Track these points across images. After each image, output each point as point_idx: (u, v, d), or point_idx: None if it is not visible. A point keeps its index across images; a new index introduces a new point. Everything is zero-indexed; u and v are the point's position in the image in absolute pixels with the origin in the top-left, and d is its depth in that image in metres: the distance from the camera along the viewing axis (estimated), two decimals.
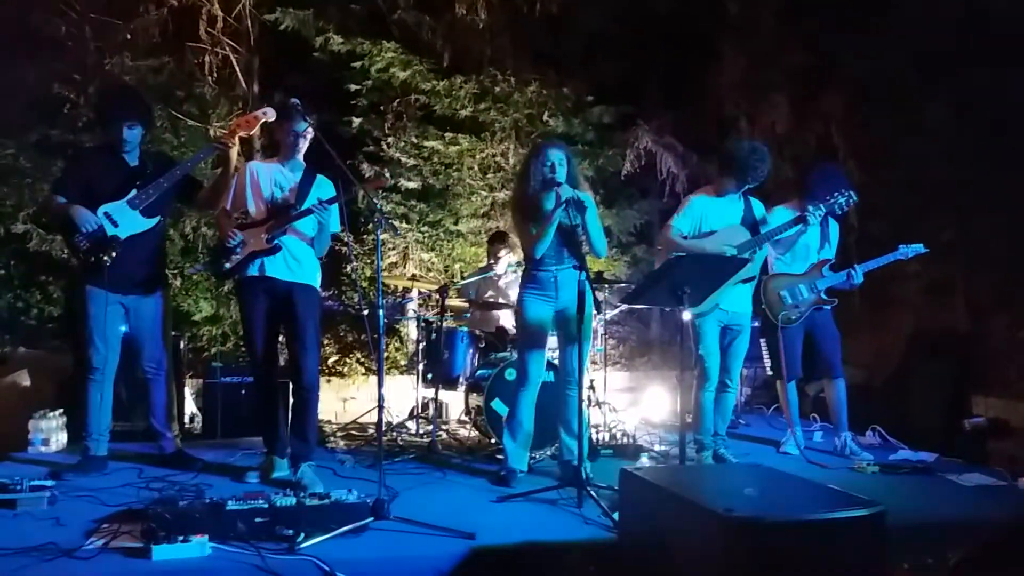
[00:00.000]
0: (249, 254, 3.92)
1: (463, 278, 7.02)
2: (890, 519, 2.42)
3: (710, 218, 4.49)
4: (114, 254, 3.91)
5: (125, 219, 4.00)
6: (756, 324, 4.99)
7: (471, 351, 5.60)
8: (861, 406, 5.14)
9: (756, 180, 4.47)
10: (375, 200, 3.65)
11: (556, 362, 4.48)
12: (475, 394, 5.12)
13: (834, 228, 5.09)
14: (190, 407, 5.56)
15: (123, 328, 4.17)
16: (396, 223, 7.16)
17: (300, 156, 4.02)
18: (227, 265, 3.94)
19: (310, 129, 3.90)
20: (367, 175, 7.27)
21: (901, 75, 6.19)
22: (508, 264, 6.12)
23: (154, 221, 4.12)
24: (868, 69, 6.43)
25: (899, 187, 6.13)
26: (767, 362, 5.06)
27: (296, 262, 3.99)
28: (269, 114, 4.01)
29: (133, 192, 4.01)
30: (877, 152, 6.46)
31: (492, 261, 6.17)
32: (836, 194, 4.55)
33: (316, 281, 4.12)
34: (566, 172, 4.00)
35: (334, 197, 3.90)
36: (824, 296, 4.88)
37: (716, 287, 4.10)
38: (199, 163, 4.29)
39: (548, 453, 4.65)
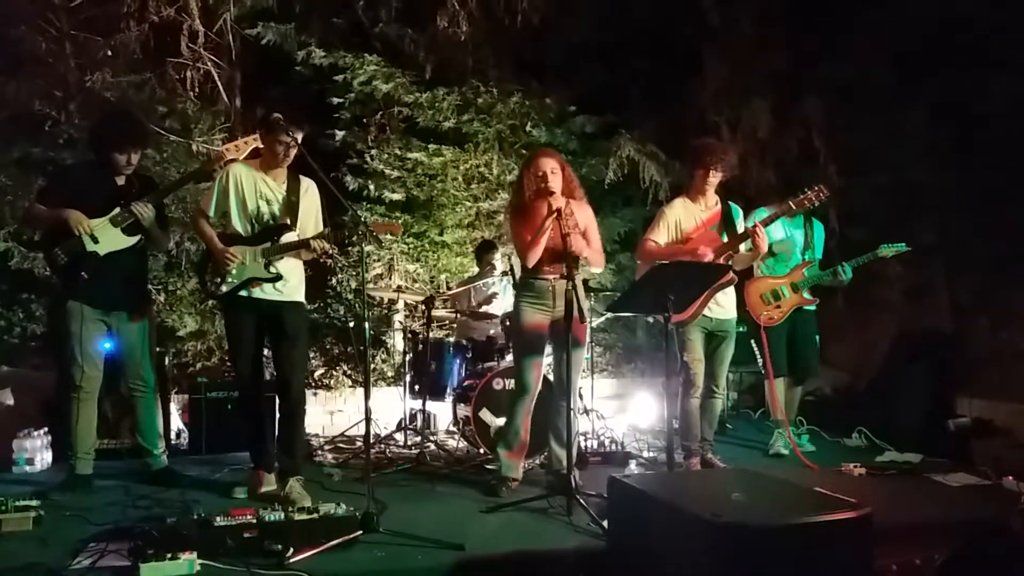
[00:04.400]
0: (248, 279, 3.89)
1: (449, 288, 7.02)
2: (877, 520, 2.44)
3: (686, 224, 4.50)
4: (91, 269, 3.89)
5: (106, 236, 3.97)
6: (742, 329, 5.01)
7: (458, 361, 5.59)
8: (846, 408, 5.19)
9: (720, 169, 4.42)
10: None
11: (546, 372, 4.48)
12: (463, 404, 5.11)
13: (818, 229, 5.10)
14: (176, 423, 5.52)
15: (106, 345, 4.14)
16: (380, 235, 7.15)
17: (284, 166, 4.00)
18: (223, 288, 3.91)
19: (294, 143, 3.89)
20: (351, 188, 7.28)
21: (881, 78, 6.26)
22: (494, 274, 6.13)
23: (135, 239, 4.09)
24: (848, 73, 6.50)
25: (880, 190, 6.18)
26: (760, 362, 5.07)
27: (284, 282, 3.96)
28: (249, 143, 3.98)
29: (117, 210, 3.99)
30: (858, 155, 6.51)
31: (488, 269, 6.15)
32: (805, 189, 4.51)
33: (303, 296, 4.11)
34: (560, 180, 4.02)
35: (325, 233, 3.91)
36: (807, 296, 4.91)
37: (699, 293, 4.12)
38: (184, 186, 4.26)
39: (537, 462, 4.65)
